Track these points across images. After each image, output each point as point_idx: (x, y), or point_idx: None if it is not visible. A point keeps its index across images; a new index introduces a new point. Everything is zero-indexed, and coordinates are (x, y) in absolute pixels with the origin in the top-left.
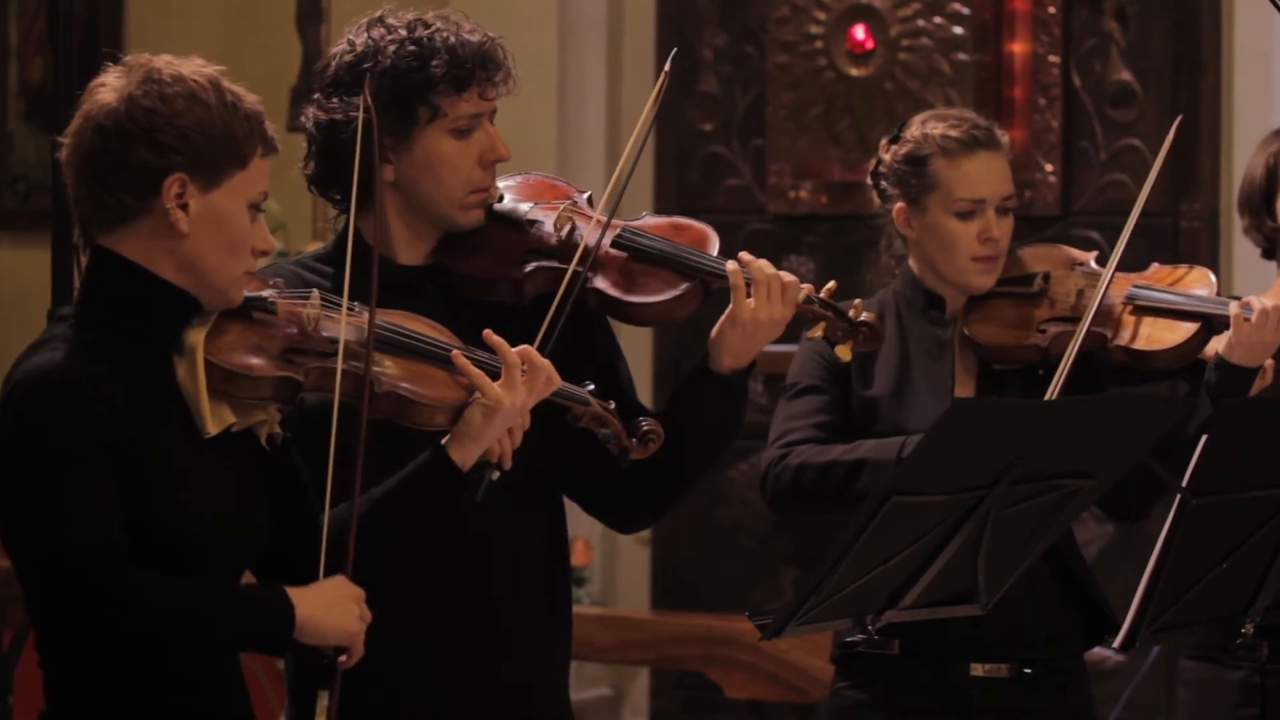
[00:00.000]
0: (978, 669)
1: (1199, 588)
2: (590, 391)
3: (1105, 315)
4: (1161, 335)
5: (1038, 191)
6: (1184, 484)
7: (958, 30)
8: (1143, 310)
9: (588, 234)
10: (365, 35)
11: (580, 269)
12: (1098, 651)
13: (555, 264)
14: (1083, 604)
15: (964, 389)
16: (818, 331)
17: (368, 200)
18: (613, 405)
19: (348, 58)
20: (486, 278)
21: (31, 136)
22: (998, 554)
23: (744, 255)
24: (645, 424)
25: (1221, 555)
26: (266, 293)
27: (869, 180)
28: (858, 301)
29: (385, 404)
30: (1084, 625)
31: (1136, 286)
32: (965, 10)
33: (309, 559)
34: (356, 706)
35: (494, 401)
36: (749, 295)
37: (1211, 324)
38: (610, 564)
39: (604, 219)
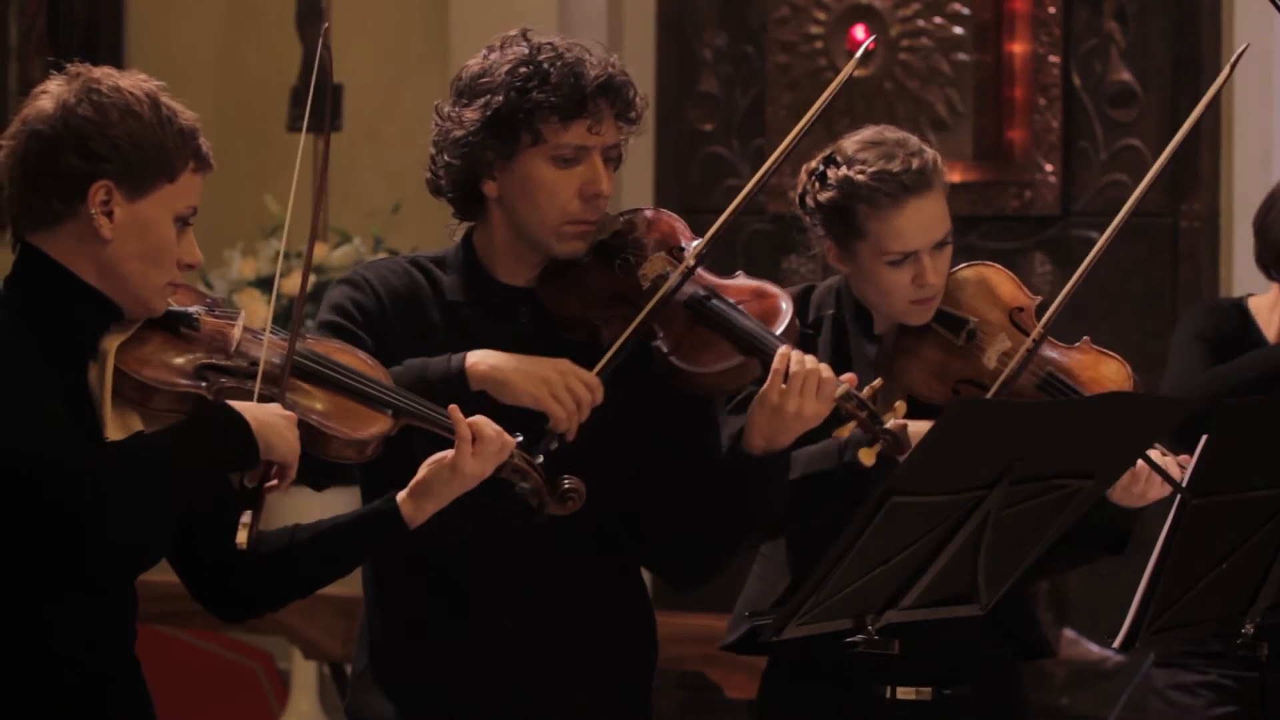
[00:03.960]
0: (905, 692)
1: (1199, 588)
2: (518, 443)
3: (1015, 393)
4: None
5: (1038, 191)
6: (1184, 484)
7: (958, 30)
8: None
9: (666, 285)
10: (496, 52)
11: (643, 322)
12: (1098, 651)
13: (632, 313)
14: (1010, 621)
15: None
16: (846, 430)
17: (480, 211)
18: (540, 460)
19: (474, 69)
20: (571, 318)
21: None
22: (998, 554)
23: (785, 349)
24: (567, 482)
25: (1221, 555)
26: (194, 308)
27: (796, 204)
28: (898, 405)
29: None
30: (1017, 641)
31: (1051, 373)
32: (965, 10)
33: (239, 561)
34: None
35: (460, 467)
36: (785, 382)
37: None
38: None
39: (688, 267)
